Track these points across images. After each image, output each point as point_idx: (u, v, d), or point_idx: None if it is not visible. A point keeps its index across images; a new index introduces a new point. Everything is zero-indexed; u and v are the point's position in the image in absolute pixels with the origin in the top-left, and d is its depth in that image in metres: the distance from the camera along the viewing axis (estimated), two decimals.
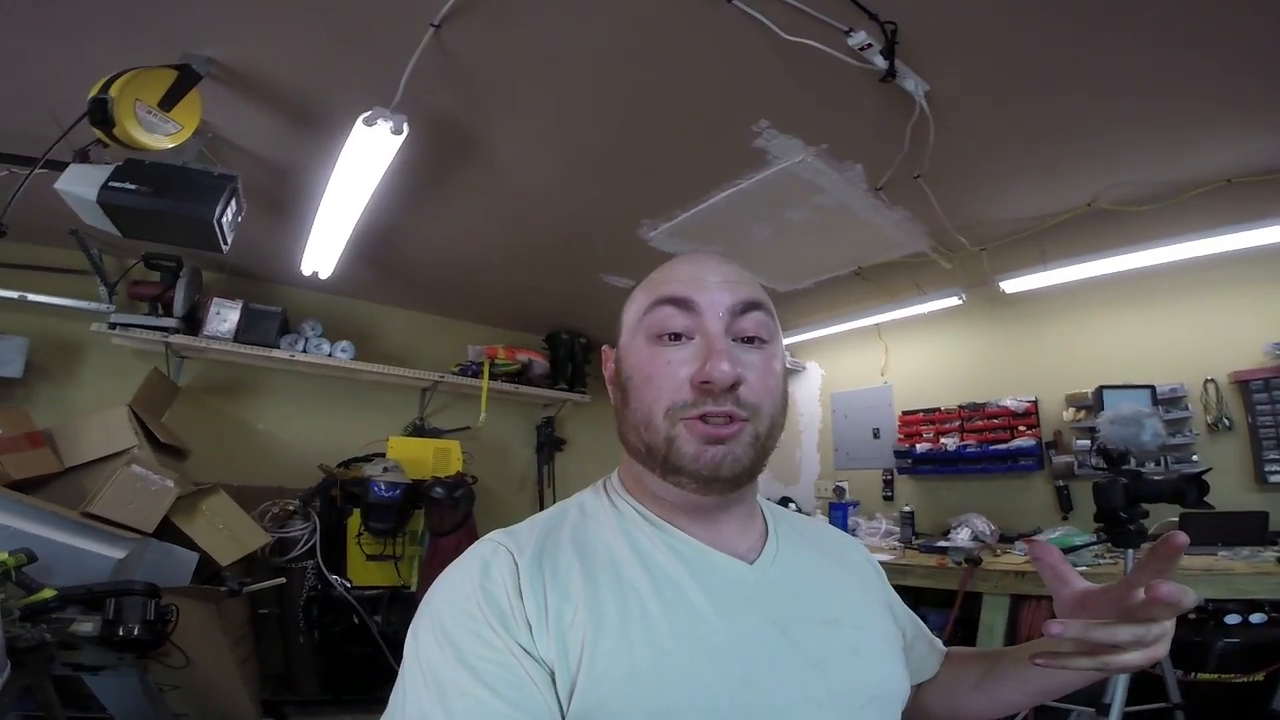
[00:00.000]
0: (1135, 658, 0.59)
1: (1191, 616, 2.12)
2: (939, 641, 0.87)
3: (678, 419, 0.62)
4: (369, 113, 1.86)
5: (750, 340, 0.66)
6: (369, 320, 4.03)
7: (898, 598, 0.84)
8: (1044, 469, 3.09)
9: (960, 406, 3.40)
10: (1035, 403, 3.15)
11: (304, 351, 3.45)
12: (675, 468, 0.62)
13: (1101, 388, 2.77)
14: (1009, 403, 3.21)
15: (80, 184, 1.90)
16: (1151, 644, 0.59)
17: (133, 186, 1.92)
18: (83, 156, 1.93)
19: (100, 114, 1.73)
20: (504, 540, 0.63)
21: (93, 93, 1.73)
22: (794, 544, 0.73)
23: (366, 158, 2.05)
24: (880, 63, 1.71)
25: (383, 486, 3.19)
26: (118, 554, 2.17)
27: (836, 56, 1.70)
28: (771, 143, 2.20)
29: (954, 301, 3.15)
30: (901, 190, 2.47)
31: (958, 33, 1.70)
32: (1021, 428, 3.16)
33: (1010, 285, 2.93)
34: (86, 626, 1.79)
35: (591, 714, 0.53)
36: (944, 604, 2.55)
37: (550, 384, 4.38)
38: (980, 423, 3.31)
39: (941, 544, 2.88)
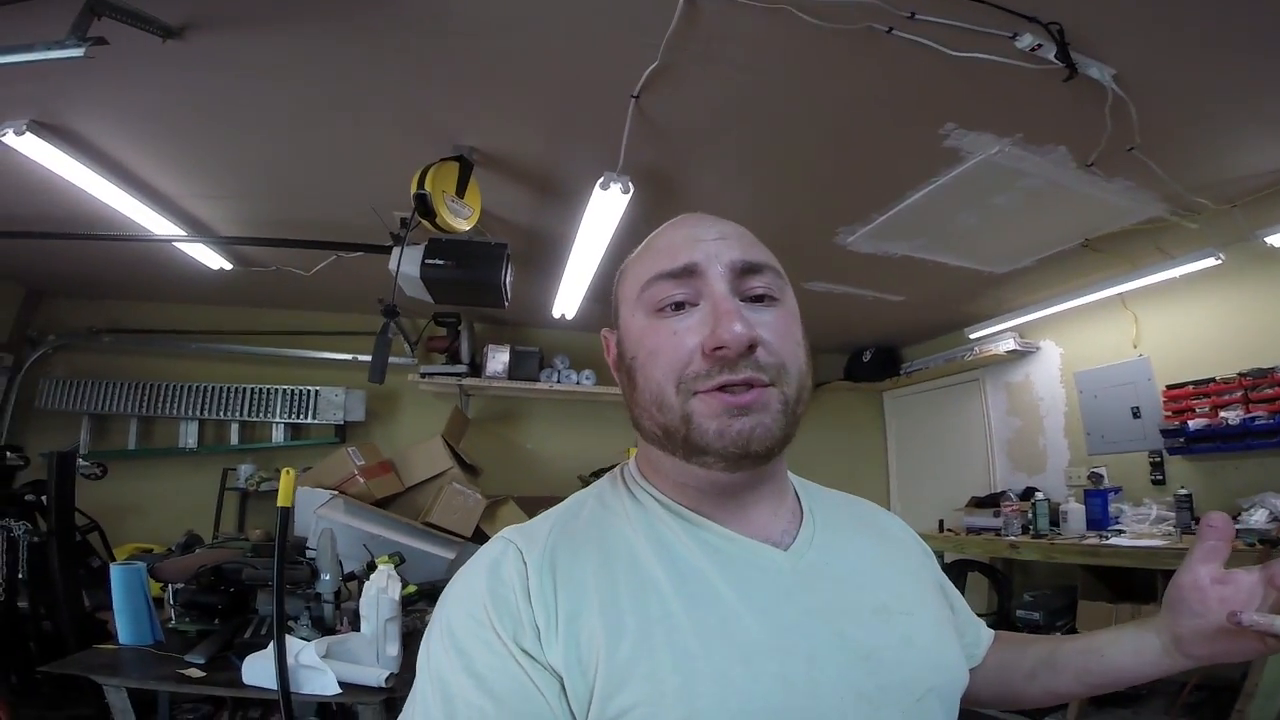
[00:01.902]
0: None
1: None
2: (984, 625, 0.84)
3: (692, 392, 0.58)
4: (603, 178, 2.15)
5: (760, 299, 0.61)
6: (603, 350, 4.66)
7: (946, 579, 0.80)
8: None
9: (1241, 375, 3.03)
10: None
11: (558, 382, 4.19)
12: (699, 447, 0.58)
13: None
14: None
15: (408, 264, 2.38)
16: None
17: (441, 262, 2.37)
18: (399, 241, 2.38)
19: (424, 206, 2.13)
20: (514, 538, 0.60)
21: (414, 190, 2.11)
22: (832, 524, 0.69)
23: (604, 215, 2.39)
24: (1056, 63, 1.74)
25: None
26: (449, 555, 2.85)
27: (1013, 64, 1.75)
28: (962, 141, 2.27)
29: (1211, 262, 2.86)
30: (1117, 163, 2.37)
31: (1131, 9, 1.67)
32: None
33: (1278, 239, 2.64)
34: (428, 616, 2.30)
35: None
36: None
37: None
38: (1270, 390, 2.93)
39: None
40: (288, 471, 1.71)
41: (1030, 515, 3.42)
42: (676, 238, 0.64)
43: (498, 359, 4.02)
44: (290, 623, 1.84)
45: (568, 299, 3.35)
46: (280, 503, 1.71)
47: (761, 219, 2.89)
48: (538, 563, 0.56)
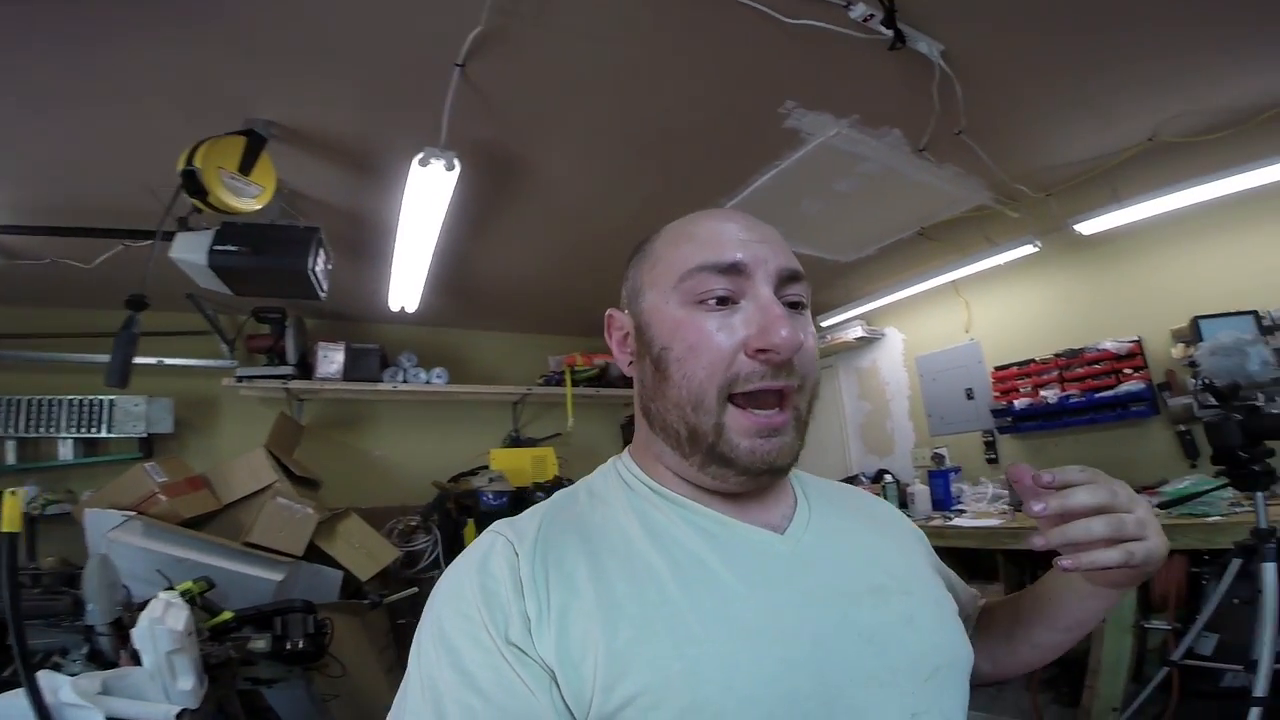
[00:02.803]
0: (1139, 548, 0.58)
1: None
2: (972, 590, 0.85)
3: (729, 397, 0.59)
4: (421, 154, 2.02)
5: (794, 306, 0.63)
6: (458, 345, 4.44)
7: (940, 560, 0.80)
8: (1160, 414, 2.95)
9: (1056, 355, 3.33)
10: (1139, 343, 3.03)
11: (404, 382, 3.88)
12: (723, 459, 0.59)
13: (1197, 318, 2.66)
14: (1109, 345, 3.10)
15: (190, 251, 2.12)
16: (1136, 532, 0.58)
17: (234, 248, 2.13)
18: (184, 225, 2.14)
19: (193, 184, 1.91)
20: (504, 530, 0.60)
21: (180, 166, 1.91)
22: (826, 509, 0.69)
23: (428, 195, 2.23)
24: (885, 32, 1.77)
25: (490, 496, 3.52)
26: (277, 577, 2.58)
27: (843, 32, 1.77)
28: (802, 121, 2.29)
29: (1029, 250, 3.12)
30: (946, 148, 2.50)
31: None
32: (1127, 370, 3.04)
33: (1086, 227, 2.88)
34: (260, 643, 2.07)
35: (623, 713, 0.50)
36: None
37: (628, 383, 4.63)
38: (1081, 370, 3.21)
39: None
40: (11, 494, 1.51)
41: (882, 497, 3.57)
42: (720, 231, 0.64)
43: (332, 359, 3.65)
44: (58, 658, 1.74)
45: (406, 290, 3.11)
46: (6, 528, 1.52)
47: (613, 204, 2.85)
48: (529, 553, 0.57)
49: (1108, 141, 2.66)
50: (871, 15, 1.72)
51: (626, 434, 4.83)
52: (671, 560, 0.58)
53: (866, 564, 0.65)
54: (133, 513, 2.55)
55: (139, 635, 1.60)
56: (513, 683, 0.50)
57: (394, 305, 3.29)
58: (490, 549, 0.58)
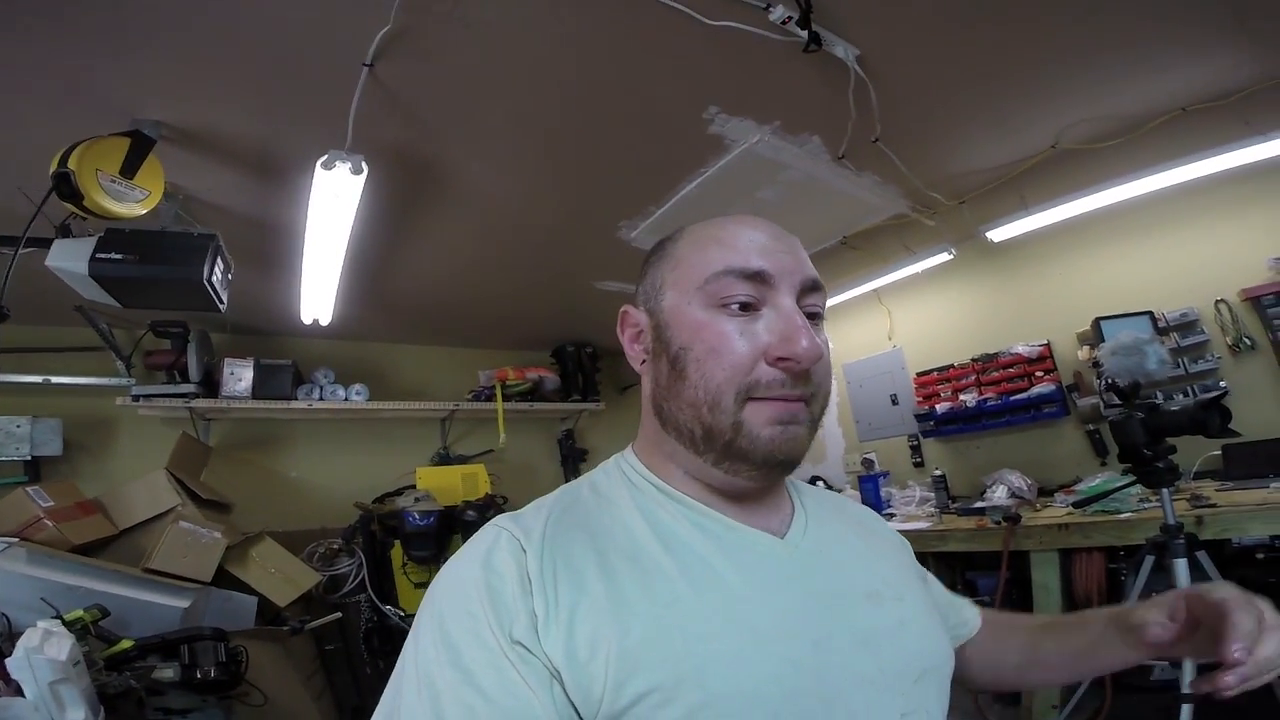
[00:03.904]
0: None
1: (1260, 556, 2.13)
2: (969, 605, 0.89)
3: (746, 401, 0.60)
4: (325, 157, 1.97)
5: (812, 317, 0.65)
6: (380, 360, 4.32)
7: (923, 569, 0.84)
8: (1070, 414, 3.13)
9: (973, 359, 3.50)
10: (1048, 346, 3.23)
11: (320, 399, 3.74)
12: (740, 454, 0.61)
13: (1098, 319, 2.81)
14: (1020, 349, 3.30)
15: (68, 259, 2.01)
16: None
17: (119, 256, 2.02)
18: (64, 231, 2.01)
19: (66, 188, 1.80)
20: (509, 525, 0.61)
21: (53, 168, 1.81)
22: (821, 516, 0.72)
23: (334, 200, 2.17)
24: (801, 33, 1.81)
25: (417, 516, 3.43)
26: (182, 604, 2.44)
27: (762, 35, 1.80)
28: (725, 127, 2.34)
29: (945, 257, 3.30)
30: (864, 156, 2.61)
31: None
32: (1039, 373, 3.23)
33: (996, 234, 3.05)
34: (168, 672, 2.01)
35: (633, 710, 0.50)
36: (992, 566, 2.58)
37: (564, 397, 4.62)
38: (996, 373, 3.39)
39: (979, 505, 2.90)
40: None
41: None
42: (746, 238, 0.65)
43: (239, 375, 3.48)
44: None
45: (317, 301, 3.00)
46: None
47: (540, 211, 2.82)
48: (538, 550, 0.57)
49: (1013, 149, 2.84)
50: (790, 18, 1.77)
51: (564, 449, 4.79)
52: (679, 561, 0.59)
53: (861, 570, 0.68)
54: (15, 539, 2.37)
55: (14, 665, 1.55)
56: (514, 682, 0.50)
57: (306, 317, 3.17)
58: (494, 544, 0.58)
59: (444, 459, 4.27)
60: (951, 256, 3.31)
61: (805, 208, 3.03)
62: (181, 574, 2.55)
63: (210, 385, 3.48)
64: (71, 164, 1.79)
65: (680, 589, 0.57)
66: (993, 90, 2.36)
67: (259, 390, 3.53)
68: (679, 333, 0.64)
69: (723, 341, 0.61)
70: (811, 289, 0.65)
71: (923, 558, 2.88)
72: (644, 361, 0.70)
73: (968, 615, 0.87)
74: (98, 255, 2.00)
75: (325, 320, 3.17)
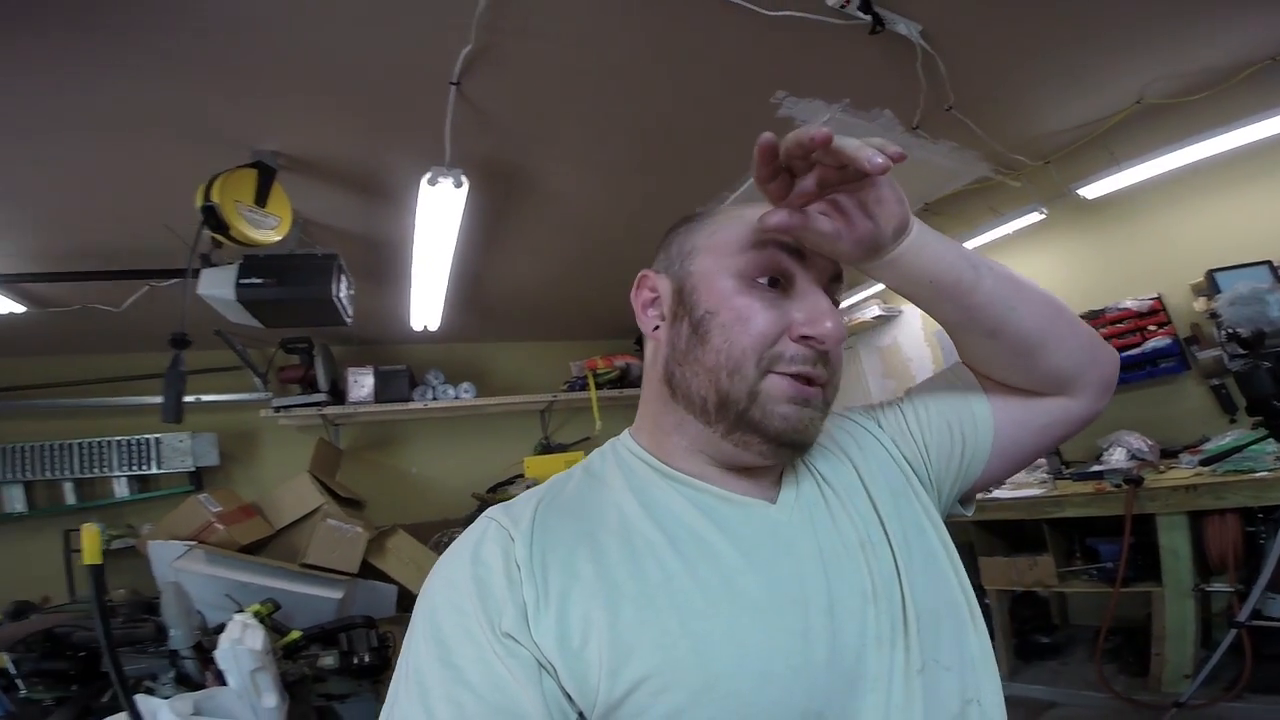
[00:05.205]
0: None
1: None
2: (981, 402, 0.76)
3: (766, 371, 0.59)
4: (429, 174, 2.07)
5: (834, 303, 0.65)
6: (483, 359, 4.59)
7: (914, 446, 0.75)
8: (1191, 369, 2.95)
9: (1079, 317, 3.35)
10: (1159, 299, 3.04)
11: (434, 399, 4.04)
12: (753, 425, 0.59)
13: (1212, 271, 2.64)
14: (1130, 304, 3.11)
15: (218, 286, 2.16)
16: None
17: (259, 280, 2.16)
18: (206, 261, 2.17)
19: (213, 219, 1.95)
20: (498, 516, 0.60)
21: (198, 202, 1.94)
22: (813, 467, 0.69)
23: (439, 214, 2.29)
24: (863, 17, 1.82)
25: None
26: (337, 595, 2.72)
27: (821, 20, 1.81)
28: (795, 109, 2.34)
29: (1036, 217, 3.17)
30: (939, 124, 2.55)
31: None
32: (1151, 327, 3.04)
33: (1089, 191, 2.92)
34: (329, 659, 2.20)
35: (631, 699, 0.49)
36: (1113, 532, 2.51)
37: None
38: (1103, 330, 3.19)
39: (1096, 468, 2.80)
40: (89, 528, 1.61)
41: None
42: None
43: (362, 383, 3.81)
44: (149, 682, 1.83)
45: (426, 309, 3.23)
46: (87, 560, 1.62)
47: (617, 205, 2.96)
48: (526, 536, 0.56)
49: (1097, 106, 2.72)
50: (847, 2, 1.78)
51: None
52: (669, 535, 0.57)
53: (856, 516, 0.65)
54: (194, 542, 2.70)
55: (222, 656, 1.71)
56: (502, 677, 0.49)
57: (416, 325, 3.42)
58: (483, 536, 0.57)
59: (546, 448, 4.51)
60: (1043, 216, 3.18)
61: None
62: (332, 567, 2.83)
63: (336, 393, 3.82)
64: (214, 196, 1.93)
65: (672, 566, 0.55)
66: (1068, 50, 2.27)
67: (380, 394, 3.86)
68: (706, 297, 0.62)
69: (751, 310, 0.60)
70: (836, 278, 0.65)
71: (1036, 525, 2.90)
72: (657, 328, 0.68)
73: (980, 415, 0.75)
74: (241, 281, 2.15)
75: (434, 326, 3.40)
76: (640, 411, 0.71)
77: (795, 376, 0.59)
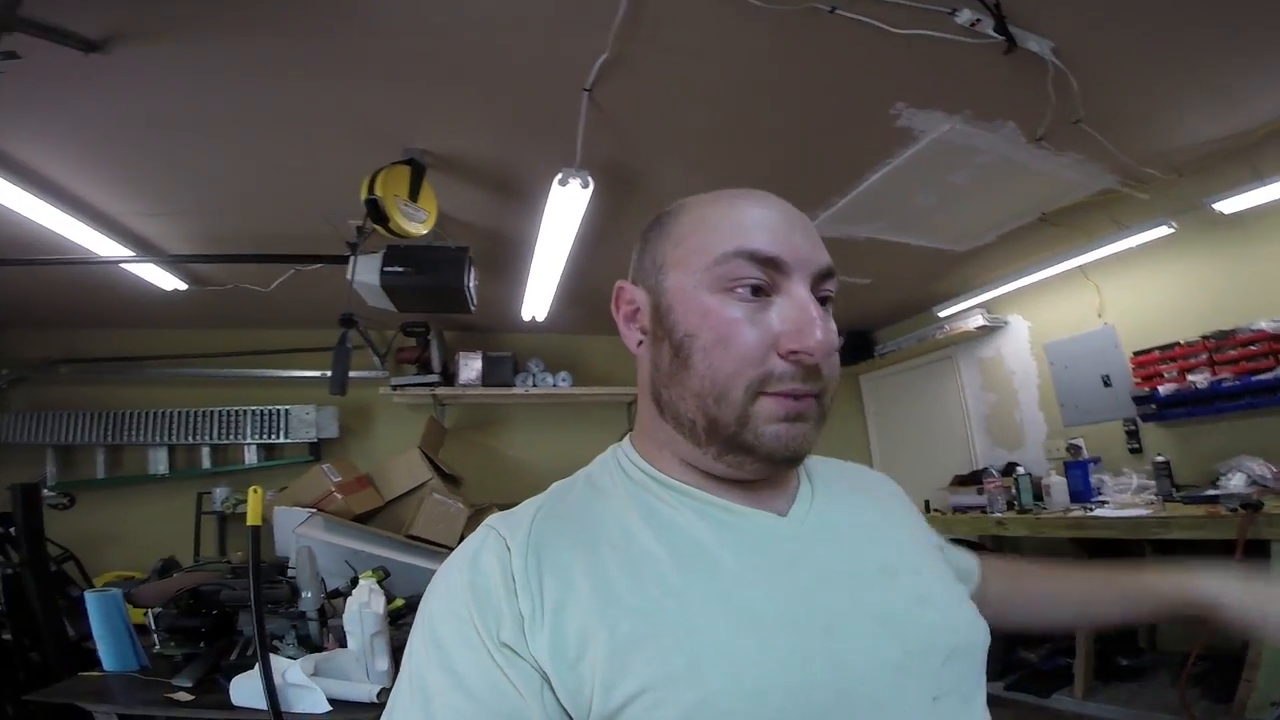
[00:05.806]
0: None
1: None
2: (965, 551, 0.86)
3: (758, 394, 0.56)
4: (561, 174, 2.17)
5: (823, 301, 0.61)
6: (578, 350, 4.78)
7: (937, 534, 0.80)
8: None
9: (1204, 338, 3.15)
10: None
11: (534, 386, 4.28)
12: (745, 447, 0.57)
13: None
14: (1265, 325, 2.91)
15: (366, 273, 2.36)
16: None
17: (401, 269, 2.34)
18: (354, 249, 2.36)
19: (376, 212, 2.11)
20: (496, 524, 0.58)
21: (364, 195, 2.09)
22: (828, 488, 0.68)
23: (565, 213, 2.44)
24: (996, 36, 1.82)
25: None
26: (435, 566, 2.90)
27: (953, 39, 1.83)
28: (914, 120, 2.36)
29: (1164, 231, 3.02)
30: (1065, 136, 2.49)
31: None
32: None
33: (1226, 205, 2.76)
34: None
35: (624, 713, 0.47)
36: (1220, 558, 2.36)
37: None
38: (1233, 352, 3.02)
39: (1210, 492, 2.69)
40: (255, 490, 1.70)
41: (1014, 491, 3.49)
42: (758, 218, 0.60)
43: (470, 366, 4.08)
44: (275, 642, 1.88)
45: (537, 301, 3.42)
46: (250, 521, 1.69)
47: None
48: (522, 547, 0.55)
49: (1237, 121, 2.57)
50: (978, 20, 1.77)
51: None
52: (672, 548, 0.55)
53: (873, 542, 0.63)
54: (314, 510, 2.94)
55: (349, 618, 1.74)
56: (501, 684, 0.49)
57: (525, 315, 3.63)
58: (482, 544, 0.56)
59: None
60: (1172, 230, 3.02)
61: (998, 188, 2.93)
62: (435, 539, 3.02)
63: (446, 375, 4.10)
64: (377, 190, 2.10)
65: (673, 580, 0.53)
66: (1210, 63, 2.17)
67: (486, 378, 4.12)
68: (684, 318, 0.59)
69: (732, 330, 0.56)
70: (824, 276, 0.61)
71: (1138, 545, 2.84)
72: (640, 343, 0.66)
73: (967, 565, 0.84)
74: (385, 269, 2.35)
75: (541, 317, 3.59)
76: (637, 421, 0.69)
77: (786, 395, 0.56)
